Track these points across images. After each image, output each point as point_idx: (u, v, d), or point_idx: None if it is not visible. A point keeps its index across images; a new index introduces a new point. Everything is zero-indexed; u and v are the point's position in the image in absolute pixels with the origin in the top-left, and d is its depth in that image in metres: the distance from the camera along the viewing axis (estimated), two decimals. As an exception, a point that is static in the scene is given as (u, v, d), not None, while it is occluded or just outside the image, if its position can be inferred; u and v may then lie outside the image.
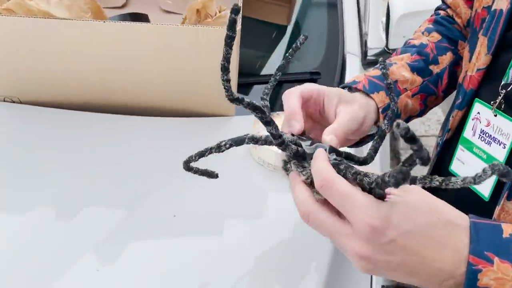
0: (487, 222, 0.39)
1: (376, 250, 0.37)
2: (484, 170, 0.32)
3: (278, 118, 0.74)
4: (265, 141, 0.44)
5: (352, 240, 0.37)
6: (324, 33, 1.09)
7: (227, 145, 0.43)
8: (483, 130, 0.54)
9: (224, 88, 0.36)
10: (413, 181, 0.36)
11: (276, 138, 0.41)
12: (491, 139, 0.53)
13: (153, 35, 0.72)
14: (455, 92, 0.63)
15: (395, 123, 0.30)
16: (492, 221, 0.39)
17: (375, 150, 0.49)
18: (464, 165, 0.57)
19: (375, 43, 1.16)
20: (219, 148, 0.42)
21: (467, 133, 0.57)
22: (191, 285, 0.56)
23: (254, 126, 0.77)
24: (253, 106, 0.38)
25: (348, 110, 0.51)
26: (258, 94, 0.96)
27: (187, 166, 0.45)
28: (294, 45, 0.51)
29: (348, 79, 0.96)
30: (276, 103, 0.90)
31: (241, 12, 0.73)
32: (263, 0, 1.08)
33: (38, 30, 0.73)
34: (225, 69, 0.35)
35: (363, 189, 0.38)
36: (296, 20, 1.16)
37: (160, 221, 0.64)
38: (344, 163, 0.41)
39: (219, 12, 0.73)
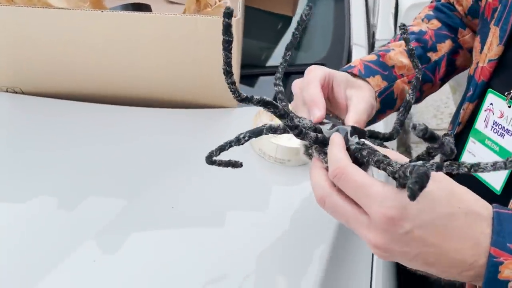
0: (511, 213, 0.37)
1: (393, 241, 0.36)
2: None
3: None
4: (283, 130, 0.43)
5: (367, 230, 0.37)
6: (330, 24, 1.07)
7: (246, 137, 0.43)
8: (496, 122, 0.52)
9: (230, 90, 0.36)
10: (439, 168, 0.34)
11: (293, 129, 0.40)
12: (504, 131, 0.51)
13: (152, 25, 0.71)
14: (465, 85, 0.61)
15: (411, 125, 0.29)
16: None
17: (400, 124, 0.48)
18: (475, 157, 0.55)
19: (384, 35, 1.14)
20: (238, 141, 0.43)
21: (479, 124, 0.55)
22: (188, 277, 0.55)
23: (255, 120, 0.75)
24: (264, 102, 0.36)
25: (362, 97, 0.50)
26: (263, 86, 0.95)
27: (210, 160, 0.44)
28: (299, 19, 0.49)
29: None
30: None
31: (242, 5, 0.71)
32: (268, -9, 1.06)
33: (37, 20, 0.72)
34: (227, 73, 0.35)
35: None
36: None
37: (158, 212, 0.63)
38: (367, 147, 0.39)
39: (219, 1, 0.71)
